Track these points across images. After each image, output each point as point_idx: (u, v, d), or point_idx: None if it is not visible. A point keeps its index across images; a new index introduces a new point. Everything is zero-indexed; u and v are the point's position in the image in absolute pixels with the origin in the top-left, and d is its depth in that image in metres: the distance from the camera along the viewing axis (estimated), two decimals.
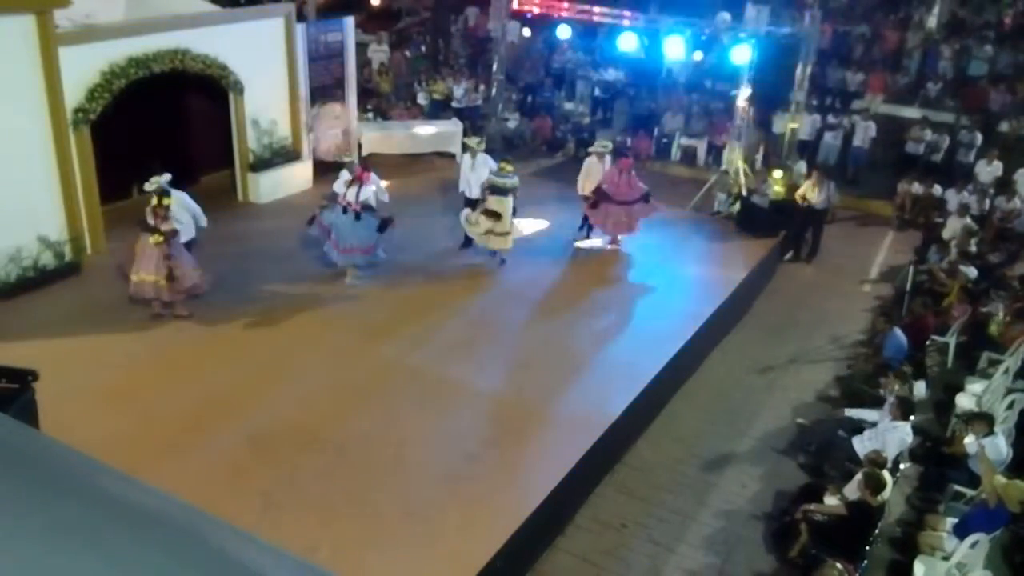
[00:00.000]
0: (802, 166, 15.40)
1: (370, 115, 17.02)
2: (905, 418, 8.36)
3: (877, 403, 8.92)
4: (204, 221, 10.34)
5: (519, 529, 6.88)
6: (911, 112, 18.33)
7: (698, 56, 18.01)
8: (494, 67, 16.97)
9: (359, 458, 7.71)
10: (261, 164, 13.63)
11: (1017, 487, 7.37)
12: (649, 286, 11.92)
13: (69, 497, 2.16)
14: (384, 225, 10.64)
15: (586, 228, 12.85)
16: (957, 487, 8.25)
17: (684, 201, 15.01)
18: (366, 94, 17.81)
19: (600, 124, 19.43)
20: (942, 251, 13.06)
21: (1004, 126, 17.20)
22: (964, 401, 9.58)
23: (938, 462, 8.81)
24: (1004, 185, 15.30)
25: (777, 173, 14.47)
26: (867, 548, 7.20)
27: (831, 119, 17.44)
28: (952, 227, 13.86)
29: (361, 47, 18.08)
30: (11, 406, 6.12)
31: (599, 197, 12.26)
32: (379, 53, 20.45)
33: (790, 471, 8.79)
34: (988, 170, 15.66)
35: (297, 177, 14.26)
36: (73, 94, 10.56)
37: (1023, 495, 7.37)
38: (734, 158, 14.56)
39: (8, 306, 9.97)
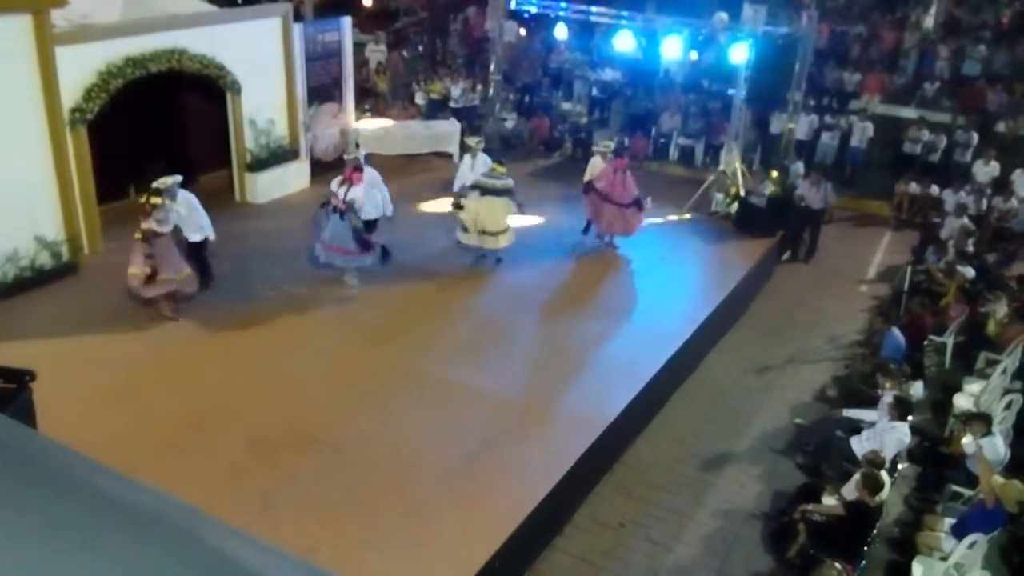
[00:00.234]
0: (800, 166, 15.41)
1: (368, 115, 17.00)
2: (903, 418, 8.36)
3: (875, 403, 8.92)
4: (211, 233, 10.27)
5: (517, 529, 6.87)
6: (908, 112, 18.35)
7: (694, 55, 18.03)
8: (491, 67, 16.97)
9: (358, 458, 7.70)
10: (258, 164, 13.62)
11: (1015, 487, 7.37)
12: (647, 286, 11.92)
13: (67, 497, 2.15)
14: (366, 244, 10.65)
15: (590, 232, 12.84)
16: (955, 487, 8.25)
17: (682, 201, 15.00)
18: (364, 94, 17.80)
19: (597, 124, 19.42)
20: (939, 251, 13.07)
21: (1001, 126, 17.21)
22: (962, 401, 9.59)
23: (936, 462, 8.82)
24: (1001, 185, 15.32)
25: (772, 173, 14.48)
26: (865, 548, 7.20)
27: (828, 119, 17.46)
28: (949, 227, 13.88)
29: (358, 47, 18.06)
30: (8, 406, 6.11)
31: (592, 193, 12.30)
32: (376, 53, 20.43)
33: (788, 471, 8.79)
34: (985, 170, 15.68)
35: (295, 177, 14.25)
36: (70, 94, 10.54)
37: (1021, 495, 7.37)
38: (731, 159, 14.57)
39: (5, 306, 9.94)
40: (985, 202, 14.92)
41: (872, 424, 8.59)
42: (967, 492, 8.09)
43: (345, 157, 11.49)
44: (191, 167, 13.65)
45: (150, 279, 9.52)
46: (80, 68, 10.59)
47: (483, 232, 11.44)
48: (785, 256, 14.00)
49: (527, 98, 20.28)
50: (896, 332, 10.14)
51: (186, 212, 9.94)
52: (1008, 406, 9.10)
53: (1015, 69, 18.75)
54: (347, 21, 15.25)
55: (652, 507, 8.07)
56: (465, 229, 11.55)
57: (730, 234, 13.58)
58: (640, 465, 8.71)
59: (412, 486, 7.38)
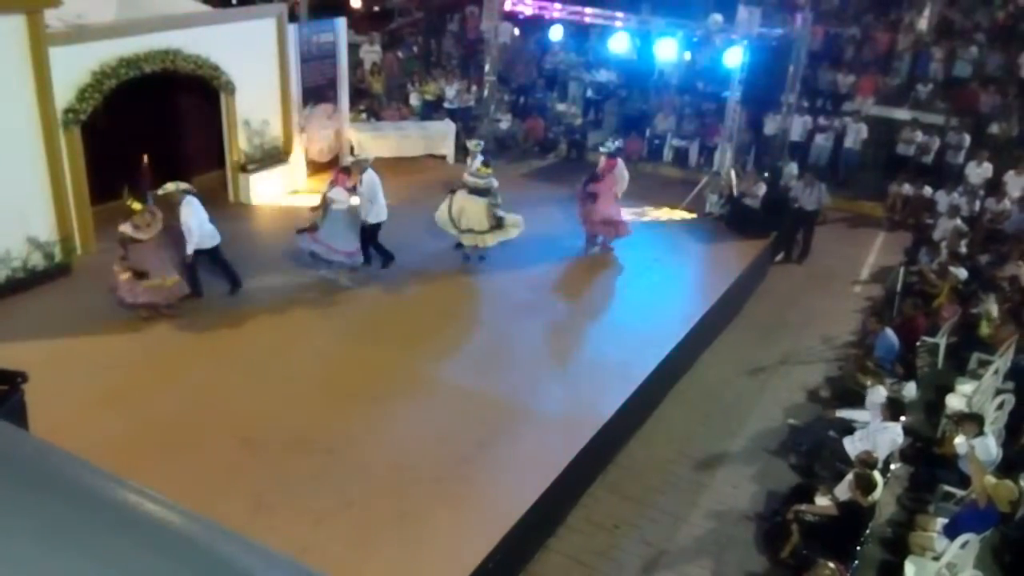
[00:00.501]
0: (794, 168, 15.44)
1: (363, 116, 16.99)
2: (896, 419, 8.40)
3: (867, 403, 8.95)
4: (208, 241, 10.16)
5: (511, 530, 6.88)
6: (902, 114, 18.38)
7: (687, 56, 18.04)
8: (486, 68, 16.97)
9: (351, 459, 7.70)
10: (252, 165, 13.59)
11: (1007, 487, 7.41)
12: (640, 287, 11.93)
13: (60, 500, 2.15)
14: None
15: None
16: (947, 487, 8.28)
17: (676, 202, 15.04)
18: (358, 95, 17.79)
19: (592, 125, 19.45)
20: (932, 252, 13.12)
21: (994, 128, 17.26)
22: (954, 402, 9.62)
23: (928, 462, 8.85)
24: (994, 187, 15.37)
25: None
26: (858, 548, 7.23)
27: (822, 121, 17.49)
28: (942, 228, 13.93)
29: (353, 48, 18.05)
30: (0, 408, 6.09)
31: (585, 195, 12.38)
32: (371, 54, 20.41)
33: (781, 472, 8.81)
34: (978, 172, 15.73)
35: (289, 178, 14.23)
36: (63, 94, 10.51)
37: (1013, 495, 7.42)
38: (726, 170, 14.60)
39: None
40: (978, 203, 14.98)
41: (865, 424, 8.62)
42: (959, 492, 8.13)
43: (352, 158, 11.45)
44: (185, 168, 13.64)
45: (139, 277, 9.51)
46: (74, 68, 10.56)
47: (469, 231, 11.48)
48: (779, 257, 14.03)
49: (522, 99, 20.28)
50: (889, 333, 10.18)
51: (192, 222, 9.86)
52: (1000, 406, 9.14)
53: (1008, 71, 18.81)
54: (342, 22, 15.23)
55: (646, 508, 8.09)
56: (456, 227, 11.59)
57: (724, 235, 13.60)
58: (634, 466, 8.72)
59: (405, 487, 7.38)
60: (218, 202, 13.31)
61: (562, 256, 12.48)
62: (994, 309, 11.05)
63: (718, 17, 14.26)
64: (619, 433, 8.81)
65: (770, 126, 16.83)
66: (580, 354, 9.86)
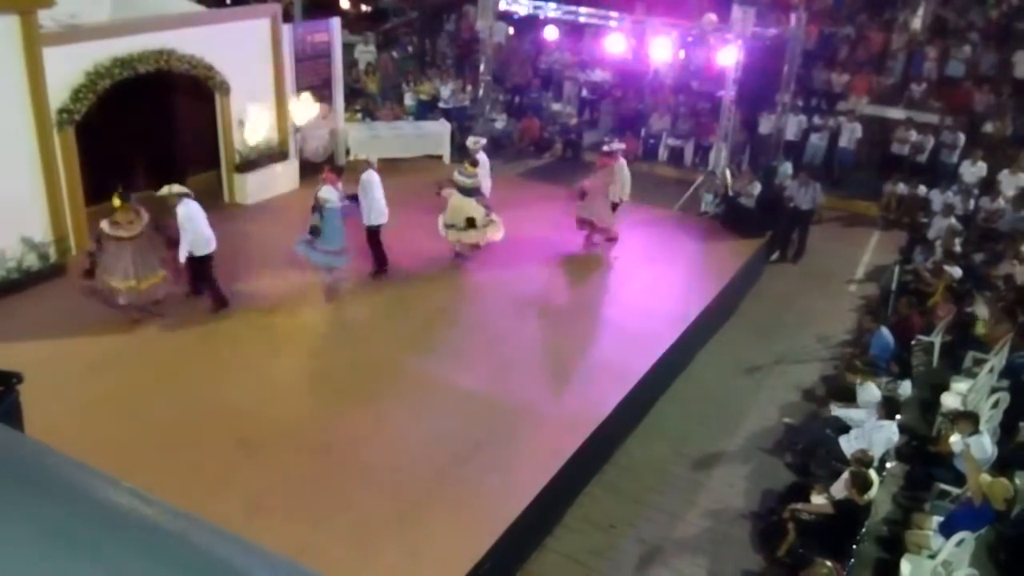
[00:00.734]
0: (788, 167, 15.46)
1: (359, 116, 16.97)
2: (891, 417, 8.42)
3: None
4: (200, 248, 9.98)
5: (508, 530, 6.88)
6: (896, 113, 18.41)
7: (681, 55, 18.07)
8: (481, 68, 16.96)
9: (347, 460, 7.69)
10: (247, 165, 13.58)
11: (1002, 485, 7.43)
12: (636, 287, 11.93)
13: (56, 501, 2.14)
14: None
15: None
16: (943, 485, 8.30)
17: (671, 202, 15.06)
18: (354, 94, 17.78)
19: (587, 125, 19.46)
20: (927, 251, 13.15)
21: (988, 127, 17.30)
22: (949, 400, 9.64)
23: (924, 461, 8.86)
24: (988, 185, 15.41)
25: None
26: (854, 547, 7.23)
27: (817, 120, 17.52)
28: (937, 227, 13.96)
29: (348, 48, 18.03)
30: None
31: (583, 194, 12.43)
32: (366, 54, 20.41)
33: (777, 470, 8.82)
34: (972, 171, 15.77)
35: (284, 178, 14.22)
36: (58, 95, 10.50)
37: (1008, 493, 7.43)
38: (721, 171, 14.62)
39: None
40: (972, 202, 15.01)
41: (860, 423, 8.64)
42: (955, 490, 8.15)
43: (353, 158, 11.38)
44: (180, 168, 13.63)
45: (87, 276, 9.58)
46: (68, 69, 10.54)
47: (451, 227, 11.58)
48: (774, 256, 14.05)
49: (517, 99, 20.29)
50: (885, 331, 10.19)
51: (187, 225, 9.72)
52: (995, 405, 9.16)
53: (1002, 70, 18.86)
54: (336, 22, 15.24)
55: (642, 507, 8.09)
56: (457, 228, 11.60)
57: (719, 235, 13.61)
58: (630, 465, 8.72)
59: (402, 487, 7.37)
60: (213, 202, 13.28)
61: (557, 256, 12.48)
62: (985, 312, 11.05)
63: (712, 17, 14.28)
64: (616, 432, 8.82)
65: (765, 125, 16.86)
66: (576, 354, 9.86)
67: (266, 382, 8.86)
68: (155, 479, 6.18)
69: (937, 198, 15.20)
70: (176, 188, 9.79)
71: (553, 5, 15.71)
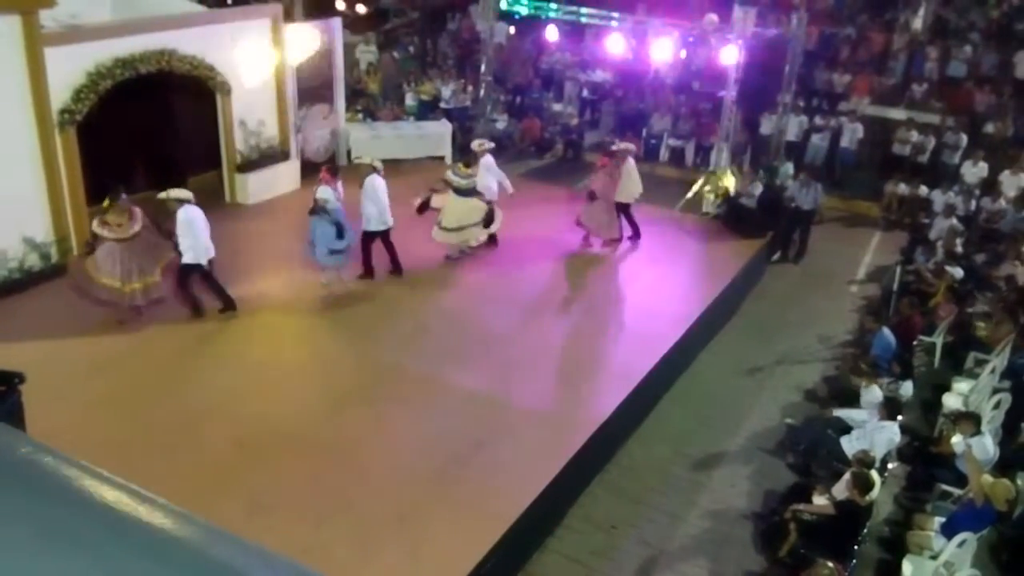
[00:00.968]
0: (790, 167, 15.45)
1: (360, 116, 16.96)
2: (892, 418, 8.41)
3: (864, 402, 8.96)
4: (195, 255, 9.78)
5: (509, 530, 6.87)
6: (897, 113, 18.40)
7: (683, 54, 18.07)
8: (482, 68, 16.96)
9: (347, 460, 7.69)
10: (249, 165, 13.58)
11: (1004, 486, 7.42)
12: (638, 287, 11.94)
13: (56, 501, 2.14)
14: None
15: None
16: (944, 486, 8.29)
17: (672, 202, 15.06)
18: (355, 95, 17.78)
19: (588, 125, 19.46)
20: (928, 252, 13.13)
21: (989, 127, 17.29)
22: (951, 401, 9.63)
23: (926, 461, 8.85)
24: (990, 186, 15.39)
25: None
26: (856, 547, 7.23)
27: (818, 120, 17.50)
28: (938, 228, 13.94)
29: (349, 48, 18.03)
30: None
31: (589, 196, 12.44)
32: (367, 54, 20.41)
33: (779, 471, 8.81)
34: (974, 171, 15.75)
35: (285, 178, 14.21)
36: (59, 95, 10.50)
37: (1010, 494, 7.42)
38: (719, 174, 14.61)
39: None
40: (973, 203, 15.00)
41: (862, 424, 8.63)
42: (956, 491, 8.13)
43: (357, 160, 11.30)
44: (181, 168, 13.64)
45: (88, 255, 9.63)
46: (69, 69, 10.54)
47: (448, 230, 11.63)
48: (775, 257, 14.03)
49: (518, 99, 20.28)
50: (886, 332, 10.18)
51: (185, 230, 9.62)
52: (997, 405, 9.15)
53: (1003, 70, 18.84)
54: (337, 22, 15.24)
55: (644, 507, 8.09)
56: (448, 230, 11.66)
57: (721, 235, 13.60)
58: (632, 466, 8.72)
59: (403, 488, 7.37)
60: (214, 202, 13.29)
61: (558, 256, 12.48)
62: (985, 324, 11.03)
63: (714, 17, 14.28)
64: (617, 433, 8.81)
65: (766, 126, 16.85)
66: (578, 354, 9.85)
67: (267, 382, 8.86)
68: (156, 479, 6.16)
69: (938, 199, 15.18)
70: (175, 193, 9.65)
71: (554, 5, 15.70)
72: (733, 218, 13.79)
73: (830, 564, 6.55)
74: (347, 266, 11.01)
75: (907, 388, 9.62)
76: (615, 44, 15.61)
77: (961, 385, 9.94)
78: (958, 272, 12.12)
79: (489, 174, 12.10)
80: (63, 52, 10.39)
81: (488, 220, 11.71)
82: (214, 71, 12.50)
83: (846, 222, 16.08)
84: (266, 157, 13.83)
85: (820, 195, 13.90)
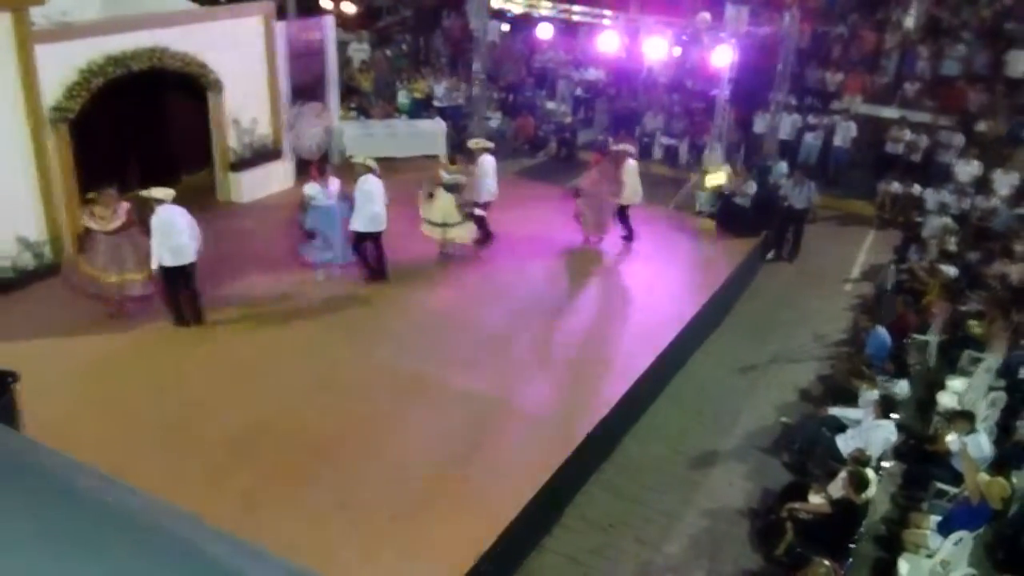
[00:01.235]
0: (783, 166, 15.47)
1: (353, 113, 16.91)
2: (888, 416, 8.41)
3: (859, 401, 8.96)
4: (170, 259, 9.43)
5: (506, 530, 6.85)
6: (890, 112, 18.44)
7: (677, 52, 18.08)
8: (475, 66, 16.92)
9: (343, 459, 7.66)
10: (241, 163, 13.52)
11: (999, 484, 7.43)
12: (632, 286, 11.94)
13: (53, 501, 2.11)
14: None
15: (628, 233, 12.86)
16: (940, 485, 8.30)
17: (666, 200, 15.05)
18: (348, 93, 17.73)
19: (582, 124, 19.45)
20: (922, 250, 13.17)
21: (982, 126, 17.35)
22: (946, 399, 9.65)
23: (921, 460, 8.85)
24: (983, 184, 15.45)
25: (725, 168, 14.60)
26: (852, 546, 7.24)
27: (811, 119, 17.53)
28: (932, 226, 13.99)
29: (342, 46, 17.97)
30: None
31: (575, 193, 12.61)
32: (360, 52, 20.36)
33: (775, 470, 8.81)
34: (967, 170, 15.81)
35: (278, 176, 14.16)
36: (51, 92, 10.43)
37: (1005, 492, 7.43)
38: (712, 171, 14.62)
39: None
40: (967, 201, 15.04)
41: (857, 422, 8.63)
42: (952, 489, 8.14)
43: (351, 159, 11.22)
44: (174, 166, 13.59)
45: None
46: (61, 66, 10.46)
47: (442, 224, 11.69)
48: (769, 256, 14.05)
49: (511, 97, 20.27)
50: (881, 330, 10.19)
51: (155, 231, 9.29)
52: (992, 404, 9.17)
53: (995, 69, 18.90)
54: (330, 19, 15.20)
55: (640, 506, 8.07)
56: (433, 224, 11.72)
57: (715, 234, 13.60)
58: (628, 464, 8.70)
59: (399, 487, 7.34)
60: (207, 201, 13.27)
61: (553, 255, 12.47)
62: (979, 322, 11.04)
63: (706, 15, 14.30)
64: (613, 432, 8.80)
65: (759, 124, 16.88)
66: (572, 353, 9.83)
67: (264, 381, 8.82)
68: (150, 478, 6.13)
69: (932, 197, 15.24)
70: (156, 192, 9.32)
71: (547, 3, 15.69)
72: (727, 217, 13.78)
73: (826, 562, 6.55)
74: (339, 263, 11.00)
75: (902, 386, 9.64)
76: (608, 42, 15.62)
77: (956, 383, 9.96)
78: (951, 270, 12.16)
79: (487, 173, 12.04)
80: (54, 49, 10.32)
81: (479, 221, 11.74)
82: (206, 69, 12.44)
83: (840, 221, 16.11)
84: (259, 155, 13.77)
85: (813, 194, 13.92)
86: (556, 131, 18.59)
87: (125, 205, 9.59)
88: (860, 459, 7.61)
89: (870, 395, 8.90)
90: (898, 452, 9.02)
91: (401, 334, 9.95)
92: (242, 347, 9.47)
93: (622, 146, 12.95)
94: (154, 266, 9.37)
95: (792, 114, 17.30)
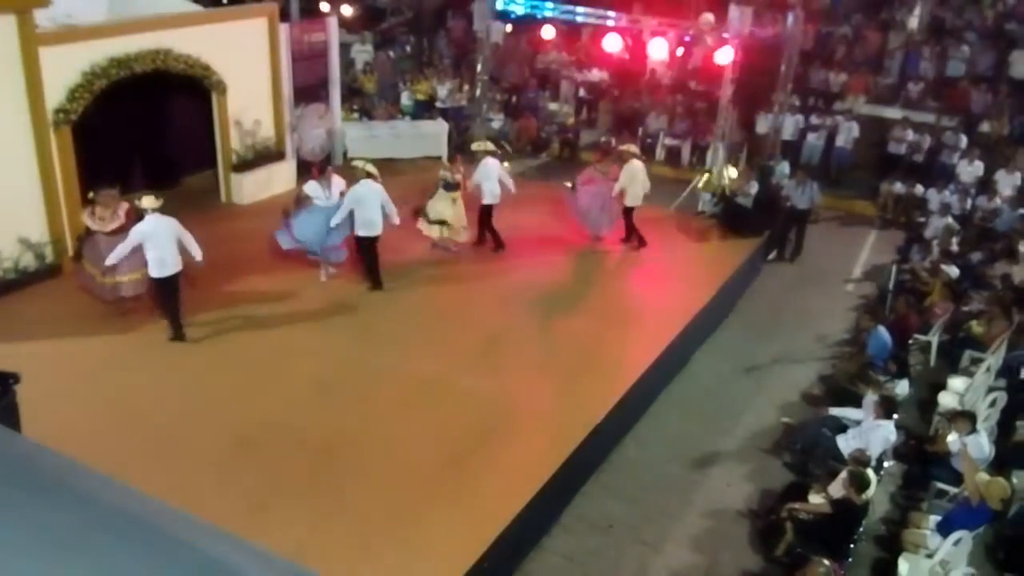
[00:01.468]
0: (786, 167, 15.47)
1: (355, 115, 16.95)
2: (888, 416, 8.41)
3: (860, 402, 8.96)
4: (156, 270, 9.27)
5: (506, 529, 6.87)
6: (893, 112, 18.44)
7: (679, 54, 18.10)
8: (478, 67, 16.95)
9: (346, 459, 7.68)
10: (244, 165, 13.56)
11: (999, 485, 7.43)
12: (634, 285, 11.96)
13: (53, 501, 2.14)
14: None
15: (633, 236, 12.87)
16: (940, 485, 8.30)
17: (668, 201, 15.06)
18: (351, 94, 17.77)
19: (584, 125, 19.46)
20: (924, 250, 13.17)
21: (985, 126, 17.34)
22: (947, 399, 9.64)
23: (922, 460, 8.86)
24: (985, 185, 15.43)
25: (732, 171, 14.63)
26: (852, 546, 7.25)
27: (814, 120, 17.54)
28: (934, 226, 13.99)
29: (345, 47, 18.01)
30: None
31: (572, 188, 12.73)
32: (363, 53, 20.41)
33: (775, 470, 8.82)
34: (969, 170, 15.79)
35: (281, 178, 14.19)
36: (54, 94, 10.47)
37: (1005, 493, 7.44)
38: (715, 172, 14.65)
39: None
40: (969, 201, 15.03)
41: (858, 422, 8.64)
42: (952, 490, 8.15)
43: (358, 164, 11.21)
44: (177, 168, 13.64)
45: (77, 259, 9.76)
46: (64, 68, 10.51)
47: (442, 223, 11.87)
48: (771, 256, 14.06)
49: (514, 99, 20.28)
50: (882, 330, 10.19)
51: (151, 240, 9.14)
52: (992, 404, 9.17)
53: (999, 69, 18.89)
54: (333, 21, 15.24)
55: (640, 507, 8.09)
56: (429, 221, 11.90)
57: (717, 234, 13.62)
58: (628, 465, 8.72)
59: (401, 486, 7.37)
60: (209, 202, 13.33)
61: (554, 256, 12.48)
62: (981, 322, 11.03)
63: (710, 16, 14.29)
64: (613, 432, 8.81)
65: (762, 125, 16.86)
66: (574, 352, 9.84)
67: (265, 382, 8.85)
68: (153, 479, 6.16)
69: (934, 197, 15.23)
70: (146, 202, 9.14)
71: (550, 4, 15.70)
72: (729, 217, 13.79)
73: (826, 562, 6.56)
74: (339, 262, 11.08)
75: (903, 387, 9.64)
76: (611, 43, 15.61)
77: (957, 383, 9.96)
78: (954, 271, 12.15)
79: (489, 176, 12.04)
80: (58, 52, 10.37)
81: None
82: (210, 70, 12.49)
83: (842, 221, 16.12)
84: (262, 157, 13.82)
85: (816, 194, 13.92)
86: (559, 132, 18.61)
87: (125, 206, 9.65)
88: (860, 459, 7.62)
89: (872, 396, 8.91)
90: (898, 452, 9.03)
91: (403, 334, 9.97)
92: (245, 347, 9.50)
93: (627, 147, 12.98)
94: (153, 274, 9.21)
95: (795, 114, 17.30)
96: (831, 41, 20.55)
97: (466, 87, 18.77)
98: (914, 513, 8.00)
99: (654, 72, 20.08)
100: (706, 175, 14.79)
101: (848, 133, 17.08)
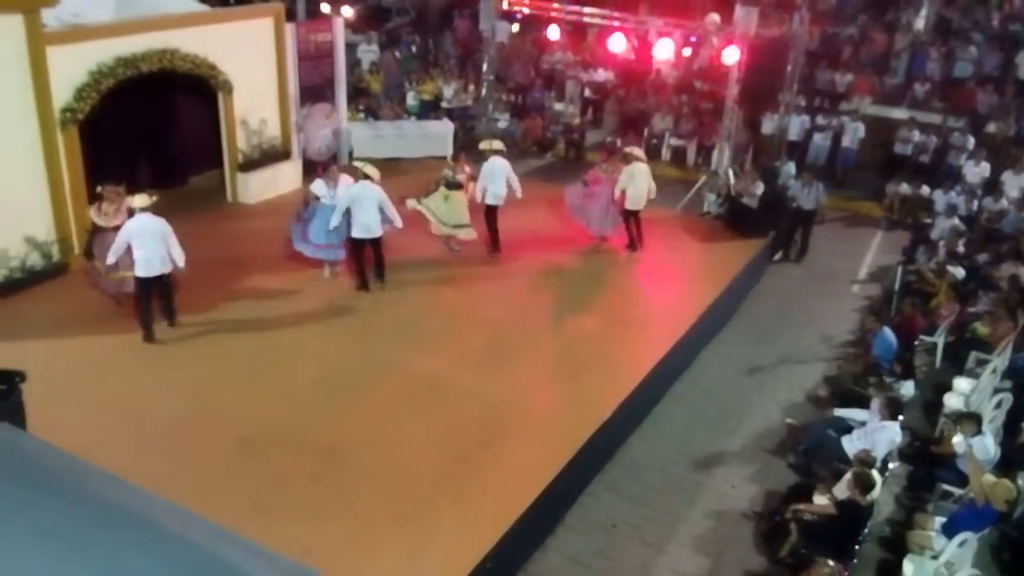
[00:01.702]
0: (792, 167, 15.44)
1: (361, 115, 16.98)
2: (894, 418, 8.40)
3: (866, 403, 8.95)
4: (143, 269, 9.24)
5: (510, 529, 6.87)
6: (899, 113, 18.40)
7: (685, 55, 18.10)
8: (484, 67, 16.95)
9: (349, 459, 7.70)
10: (250, 164, 13.59)
11: (1004, 486, 7.41)
12: (638, 286, 11.96)
13: (57, 499, 2.15)
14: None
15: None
16: (946, 486, 8.28)
17: (674, 202, 15.05)
18: (357, 94, 17.80)
19: (590, 125, 19.46)
20: (930, 251, 13.13)
21: (991, 127, 17.29)
22: (952, 401, 9.62)
23: (927, 461, 8.84)
24: (992, 186, 15.39)
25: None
26: (856, 547, 7.23)
27: (820, 120, 17.51)
28: (940, 227, 13.94)
29: (351, 47, 18.04)
30: None
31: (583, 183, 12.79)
32: (369, 53, 20.45)
33: (780, 471, 8.81)
34: (976, 171, 15.74)
35: (286, 177, 14.22)
36: (61, 94, 10.51)
37: (1010, 494, 7.41)
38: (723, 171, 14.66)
39: None
40: (975, 203, 14.99)
41: (863, 424, 8.63)
42: (957, 491, 8.12)
43: (358, 165, 11.21)
44: (183, 167, 13.67)
45: (88, 254, 9.76)
46: (71, 68, 10.55)
47: (443, 223, 11.94)
48: (777, 256, 14.04)
49: (519, 99, 20.29)
50: (888, 331, 10.17)
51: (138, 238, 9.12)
52: (998, 405, 9.14)
53: (1005, 70, 18.84)
54: (339, 21, 15.26)
55: (644, 507, 8.08)
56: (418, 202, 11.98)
57: (722, 234, 13.60)
58: (632, 465, 8.72)
59: (404, 487, 7.37)
60: (215, 202, 13.36)
61: (559, 256, 12.48)
62: (986, 324, 10.99)
63: (716, 17, 14.28)
64: (617, 432, 8.81)
65: (768, 126, 16.84)
66: (579, 353, 9.84)
67: (267, 381, 8.87)
68: (157, 477, 6.19)
69: (940, 198, 15.18)
70: (136, 200, 9.17)
71: (556, 5, 15.70)
72: (735, 218, 13.78)
73: (831, 564, 6.55)
74: (338, 261, 11.12)
75: (908, 388, 9.62)
76: (617, 44, 15.60)
77: (962, 385, 9.93)
78: (960, 272, 12.12)
79: (493, 177, 12.03)
80: (65, 51, 10.41)
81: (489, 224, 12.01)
82: (216, 70, 12.52)
83: (848, 222, 16.08)
84: (268, 156, 13.85)
85: (822, 195, 13.90)
86: (564, 132, 18.61)
87: (125, 204, 9.67)
88: (865, 460, 7.60)
89: (877, 398, 8.89)
90: (903, 454, 9.01)
91: (407, 334, 9.98)
92: (249, 346, 9.53)
93: (630, 148, 12.98)
94: (138, 273, 9.19)
95: (801, 115, 17.27)
96: (837, 41, 20.53)
97: (472, 87, 18.79)
98: (919, 515, 7.97)
99: (660, 72, 20.07)
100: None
101: (854, 134, 17.04)
